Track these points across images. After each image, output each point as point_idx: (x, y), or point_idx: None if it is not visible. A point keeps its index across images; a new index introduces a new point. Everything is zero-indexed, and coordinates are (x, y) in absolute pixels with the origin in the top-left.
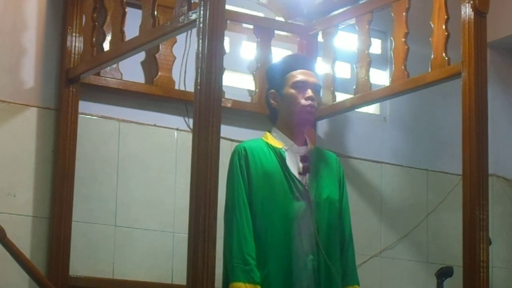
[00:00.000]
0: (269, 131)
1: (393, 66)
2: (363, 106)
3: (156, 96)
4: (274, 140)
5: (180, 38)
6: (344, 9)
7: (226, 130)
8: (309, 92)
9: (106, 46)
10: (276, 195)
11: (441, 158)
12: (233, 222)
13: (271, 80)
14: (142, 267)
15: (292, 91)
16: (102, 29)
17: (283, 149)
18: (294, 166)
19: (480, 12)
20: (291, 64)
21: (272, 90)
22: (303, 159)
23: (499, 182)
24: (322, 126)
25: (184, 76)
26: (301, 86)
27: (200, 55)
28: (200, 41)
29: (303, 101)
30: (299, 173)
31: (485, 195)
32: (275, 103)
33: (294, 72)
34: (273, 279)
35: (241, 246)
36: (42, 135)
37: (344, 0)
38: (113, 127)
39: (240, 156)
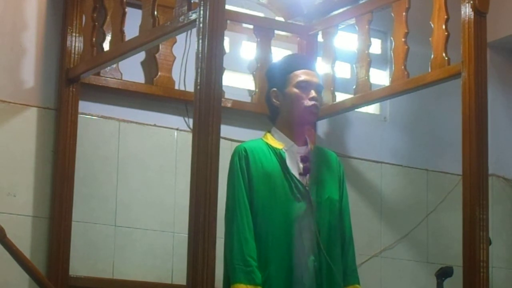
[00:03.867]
0: (269, 131)
1: (393, 66)
2: (363, 106)
3: (156, 96)
4: (274, 140)
5: (180, 38)
6: (344, 9)
7: (226, 130)
8: (313, 93)
9: (106, 46)
10: (276, 196)
11: (441, 158)
12: (233, 223)
13: (273, 79)
14: (142, 267)
15: (296, 90)
16: (102, 29)
17: (283, 150)
18: (294, 166)
19: (480, 12)
20: (294, 63)
21: (274, 89)
22: (304, 159)
23: (499, 182)
24: (322, 126)
25: (184, 76)
26: (304, 86)
27: (200, 55)
28: (200, 41)
29: (307, 102)
30: (300, 174)
31: (485, 195)
32: (277, 102)
33: (298, 72)
34: (275, 280)
35: (241, 247)
36: (42, 135)
37: (344, 0)
38: (113, 127)
39: (241, 157)
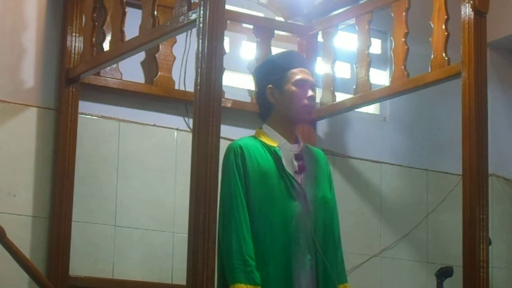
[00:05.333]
0: (260, 128)
1: (393, 66)
2: (363, 106)
3: (156, 96)
4: (267, 138)
5: (180, 38)
6: (344, 9)
7: (226, 130)
8: (310, 92)
9: (106, 46)
10: (273, 195)
11: (441, 158)
12: (231, 222)
13: (268, 76)
14: (142, 267)
15: (294, 88)
16: (102, 29)
17: (278, 148)
18: (289, 165)
19: (480, 12)
20: (291, 61)
21: (270, 86)
22: (298, 157)
23: (499, 182)
24: (322, 126)
25: (184, 76)
26: (302, 84)
27: (200, 55)
28: (200, 41)
29: (305, 101)
30: (295, 172)
31: (485, 195)
32: (273, 99)
33: (295, 70)
34: (273, 280)
35: (240, 247)
36: (42, 135)
37: (344, 0)
38: (113, 127)
39: (236, 154)
